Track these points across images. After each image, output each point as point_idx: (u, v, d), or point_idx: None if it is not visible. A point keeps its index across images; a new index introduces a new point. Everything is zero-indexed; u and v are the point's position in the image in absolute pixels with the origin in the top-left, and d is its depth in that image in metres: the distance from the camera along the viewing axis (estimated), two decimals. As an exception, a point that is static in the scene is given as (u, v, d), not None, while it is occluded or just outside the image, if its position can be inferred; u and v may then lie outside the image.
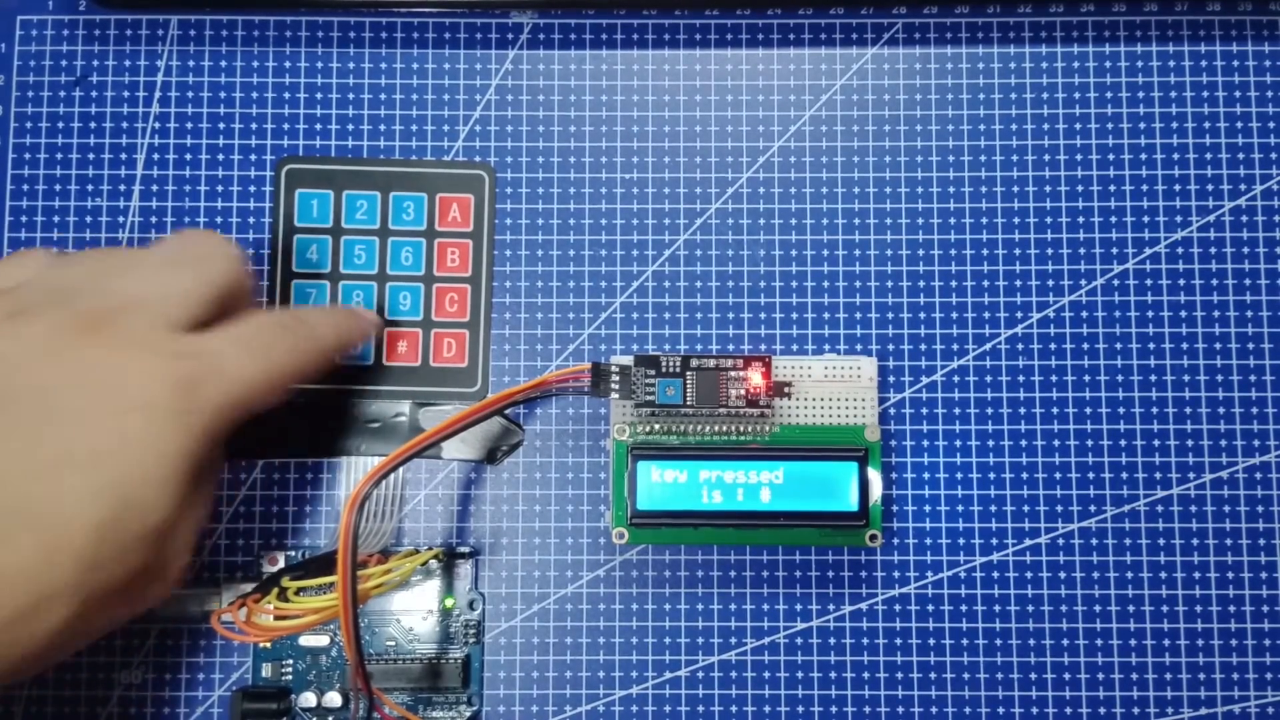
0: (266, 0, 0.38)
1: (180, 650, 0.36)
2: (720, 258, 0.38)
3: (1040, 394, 0.37)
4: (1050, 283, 0.38)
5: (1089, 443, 0.37)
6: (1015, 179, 0.38)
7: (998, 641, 0.36)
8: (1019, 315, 0.37)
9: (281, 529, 0.37)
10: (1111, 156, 0.38)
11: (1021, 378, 0.37)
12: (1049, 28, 0.38)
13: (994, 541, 0.37)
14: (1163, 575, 0.36)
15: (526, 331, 0.38)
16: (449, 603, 0.36)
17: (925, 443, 0.37)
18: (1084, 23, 0.38)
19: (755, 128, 0.38)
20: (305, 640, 0.36)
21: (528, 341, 0.38)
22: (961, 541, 0.37)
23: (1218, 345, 0.37)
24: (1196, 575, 0.36)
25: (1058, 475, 0.37)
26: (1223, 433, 0.37)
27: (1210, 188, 0.38)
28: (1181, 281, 0.38)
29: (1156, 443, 0.37)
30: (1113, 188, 0.38)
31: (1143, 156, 0.38)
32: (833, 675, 0.36)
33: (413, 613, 0.36)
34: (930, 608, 0.36)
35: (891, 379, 0.37)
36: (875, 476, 0.35)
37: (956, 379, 0.37)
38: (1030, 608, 0.36)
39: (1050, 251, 0.38)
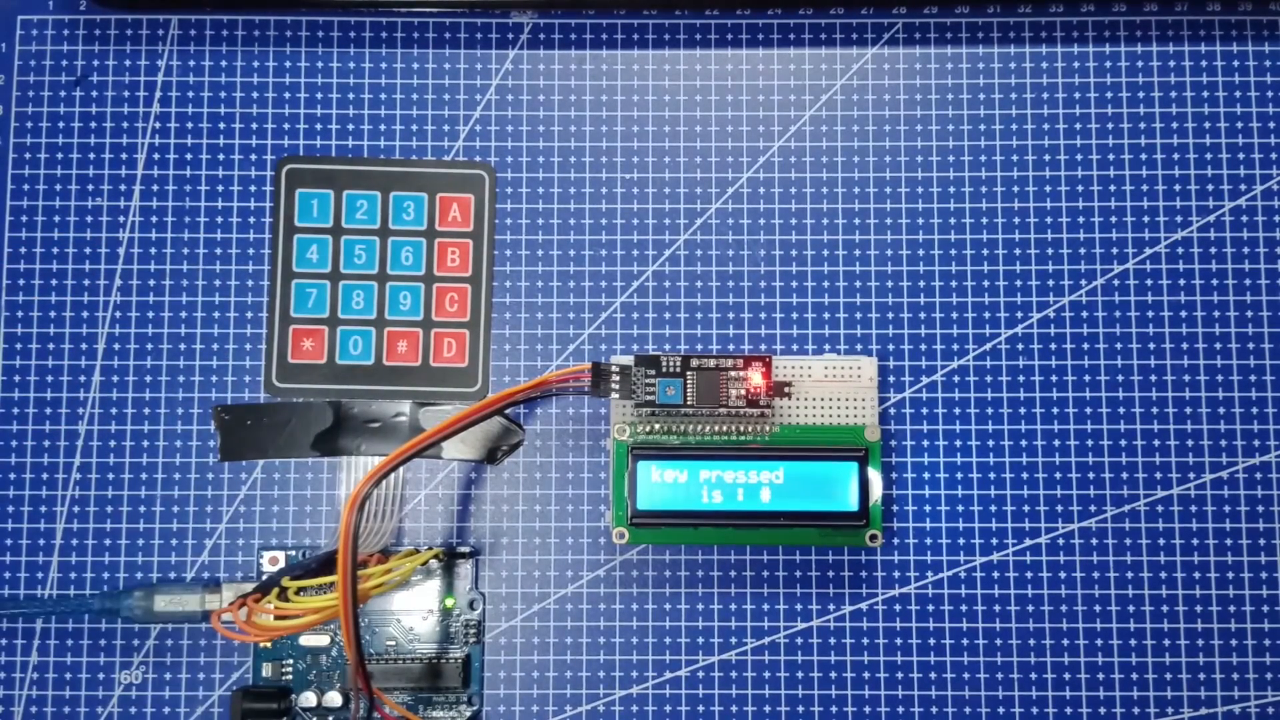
0: (266, 0, 0.38)
1: (180, 650, 0.36)
2: (720, 258, 0.38)
3: (1040, 394, 0.37)
4: (1050, 283, 0.38)
5: (1089, 443, 0.37)
6: (1015, 179, 0.38)
7: (998, 641, 0.36)
8: (1019, 315, 0.37)
9: (281, 529, 0.37)
10: (1111, 156, 0.38)
11: (1021, 378, 0.37)
12: (1049, 28, 0.38)
13: (994, 541, 0.37)
14: (1163, 575, 0.36)
15: (526, 331, 0.38)
16: (449, 602, 0.36)
17: (925, 443, 0.37)
18: (1084, 23, 0.38)
19: (755, 128, 0.38)
20: (305, 640, 0.36)
21: (528, 341, 0.38)
22: (961, 541, 0.37)
23: (1218, 345, 0.37)
24: (1196, 575, 0.36)
25: (1058, 475, 0.37)
26: (1223, 433, 0.37)
27: (1210, 188, 0.38)
28: (1181, 281, 0.38)
29: (1156, 443, 0.37)
30: (1113, 188, 0.38)
31: (1143, 156, 0.38)
32: (833, 675, 0.36)
33: (413, 612, 0.36)
34: (930, 608, 0.36)
35: (891, 379, 0.37)
36: (875, 476, 0.35)
37: (957, 379, 0.37)
38: (1030, 608, 0.36)
39: (1050, 251, 0.38)
